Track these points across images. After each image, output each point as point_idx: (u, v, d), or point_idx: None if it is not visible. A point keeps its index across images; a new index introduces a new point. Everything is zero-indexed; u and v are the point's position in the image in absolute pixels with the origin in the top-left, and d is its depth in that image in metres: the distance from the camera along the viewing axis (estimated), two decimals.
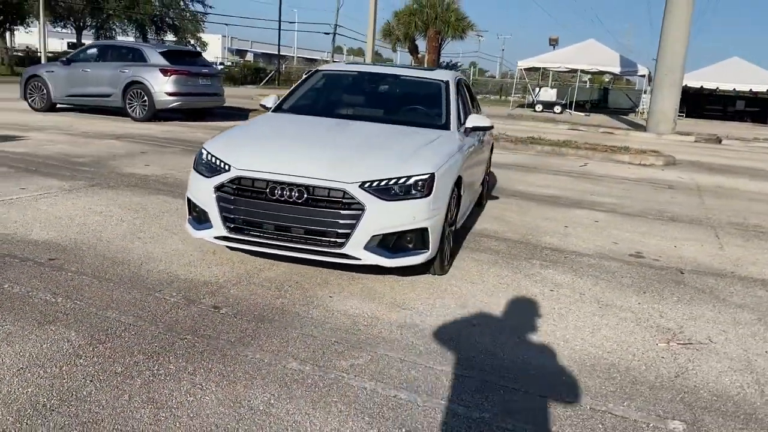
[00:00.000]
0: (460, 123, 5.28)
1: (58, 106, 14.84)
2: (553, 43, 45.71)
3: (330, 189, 3.92)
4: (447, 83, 5.64)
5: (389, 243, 4.04)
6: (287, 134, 4.82)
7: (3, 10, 31.98)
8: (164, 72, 13.57)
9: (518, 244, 5.73)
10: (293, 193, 3.93)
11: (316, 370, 3.05)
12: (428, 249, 4.17)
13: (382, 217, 3.95)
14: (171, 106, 13.80)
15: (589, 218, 7.12)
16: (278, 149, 4.40)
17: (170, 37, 53.98)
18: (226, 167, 4.12)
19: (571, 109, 33.34)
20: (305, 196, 3.93)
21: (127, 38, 50.71)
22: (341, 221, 3.91)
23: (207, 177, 4.18)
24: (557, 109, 32.72)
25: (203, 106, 14.88)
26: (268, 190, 3.97)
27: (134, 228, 5.21)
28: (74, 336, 3.20)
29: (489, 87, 58.60)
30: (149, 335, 3.28)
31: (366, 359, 3.21)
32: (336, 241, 3.94)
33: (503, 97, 48.42)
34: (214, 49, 71.87)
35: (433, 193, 4.11)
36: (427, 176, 4.12)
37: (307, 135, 4.80)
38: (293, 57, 75.13)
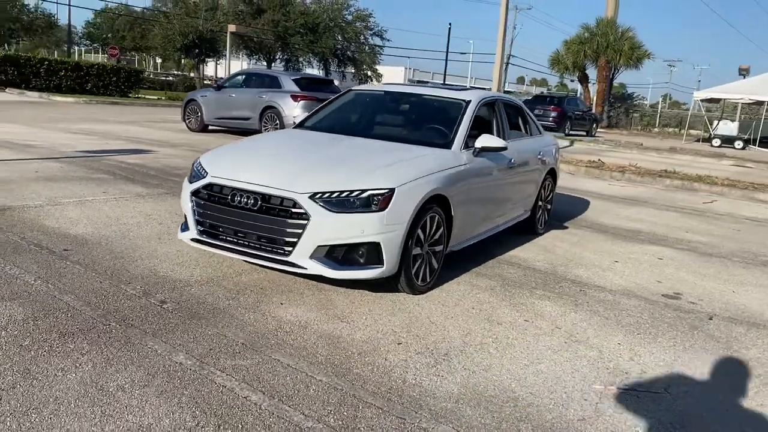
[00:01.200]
0: (466, 143, 5.13)
1: (210, 127, 16.40)
2: (744, 72, 41.86)
3: (282, 198, 4.04)
4: (467, 103, 5.52)
5: (338, 255, 4.06)
6: (273, 147, 5.03)
7: (198, 44, 36.07)
8: (294, 98, 14.52)
9: (539, 273, 5.41)
10: (250, 201, 4.11)
11: (196, 365, 3.17)
12: (383, 265, 4.12)
13: (328, 228, 3.98)
14: None
15: (653, 255, 6.50)
16: (253, 160, 4.62)
17: (350, 69, 57.01)
18: (204, 174, 4.42)
19: (755, 145, 30.16)
20: (260, 203, 4.09)
21: (312, 70, 54.38)
22: (289, 230, 4.01)
23: (189, 184, 4.50)
24: (738, 144, 29.83)
25: None
26: (229, 196, 4.19)
27: (164, 230, 5.68)
28: (18, 312, 3.61)
29: (672, 119, 54.71)
30: (81, 318, 3.60)
31: (253, 362, 3.26)
32: (284, 249, 4.05)
33: (681, 131, 45.02)
34: (397, 79, 74.97)
35: (389, 208, 4.07)
36: (385, 191, 4.09)
37: (290, 148, 4.97)
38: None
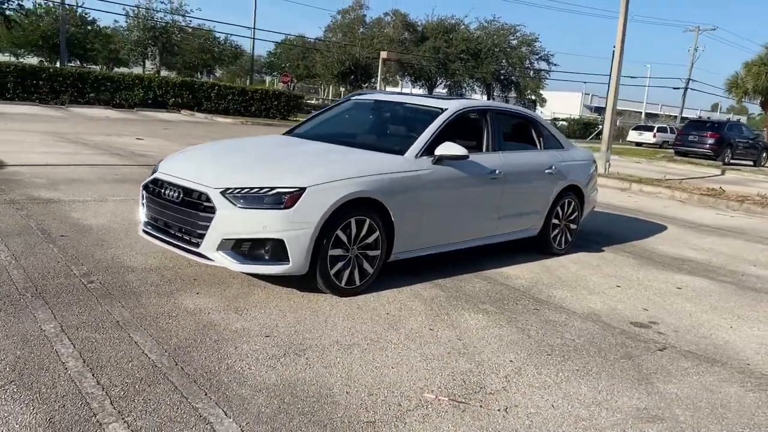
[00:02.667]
0: (425, 150, 5.03)
1: None
2: None
3: (199, 192, 4.29)
4: (442, 111, 5.42)
5: (244, 249, 4.21)
6: (227, 149, 5.29)
7: (354, 71, 38.00)
8: None
9: (509, 290, 5.14)
10: (174, 194, 4.41)
11: (53, 333, 3.47)
12: (289, 262, 4.20)
13: (232, 222, 4.16)
14: None
15: (674, 284, 5.88)
16: (197, 159, 4.92)
17: (513, 93, 56.40)
18: (156, 170, 4.80)
19: None
20: (182, 196, 4.37)
21: (475, 95, 54.49)
22: (200, 222, 4.24)
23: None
24: None
25: None
26: (162, 189, 4.52)
27: None
28: None
29: None
30: (5, 287, 4.08)
31: (106, 336, 3.50)
32: (196, 241, 4.28)
33: None
34: (573, 106, 72.73)
35: (296, 206, 4.16)
36: (294, 190, 4.19)
37: (241, 150, 5.21)
38: (640, 112, 73.07)
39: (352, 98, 6.45)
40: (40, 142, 12.02)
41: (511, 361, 3.73)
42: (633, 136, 43.71)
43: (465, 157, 5.07)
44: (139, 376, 3.08)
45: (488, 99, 47.74)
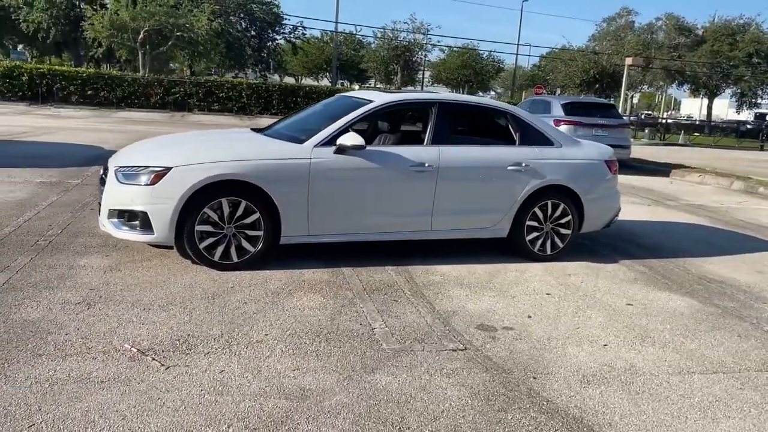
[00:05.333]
0: (331, 140, 5.21)
1: None
2: None
3: (107, 170, 5.15)
4: (367, 103, 5.52)
5: (124, 219, 4.95)
6: (173, 139, 6.06)
7: (599, 79, 36.22)
8: (556, 122, 14.24)
9: (384, 285, 5.09)
10: (101, 174, 5.33)
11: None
12: (154, 232, 4.83)
13: (113, 195, 4.96)
14: None
15: (639, 301, 5.13)
16: (141, 147, 5.72)
17: None
18: None
19: None
20: (100, 175, 5.28)
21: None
22: (100, 195, 5.11)
23: None
24: None
25: None
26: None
27: None
28: None
29: None
30: None
31: None
32: (101, 212, 5.13)
33: None
34: None
35: (159, 183, 4.79)
36: (160, 169, 4.84)
37: (175, 140, 5.99)
38: None
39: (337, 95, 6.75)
40: None
41: (266, 333, 3.86)
42: None
43: (362, 147, 5.16)
44: None
45: None
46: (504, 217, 5.86)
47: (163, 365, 3.37)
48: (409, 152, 5.51)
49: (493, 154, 5.84)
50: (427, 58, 43.40)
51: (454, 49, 60.81)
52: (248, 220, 5.01)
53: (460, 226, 5.79)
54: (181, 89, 28.79)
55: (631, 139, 15.41)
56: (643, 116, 55.96)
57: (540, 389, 3.43)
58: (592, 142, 6.93)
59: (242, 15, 40.84)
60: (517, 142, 6.00)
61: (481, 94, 59.87)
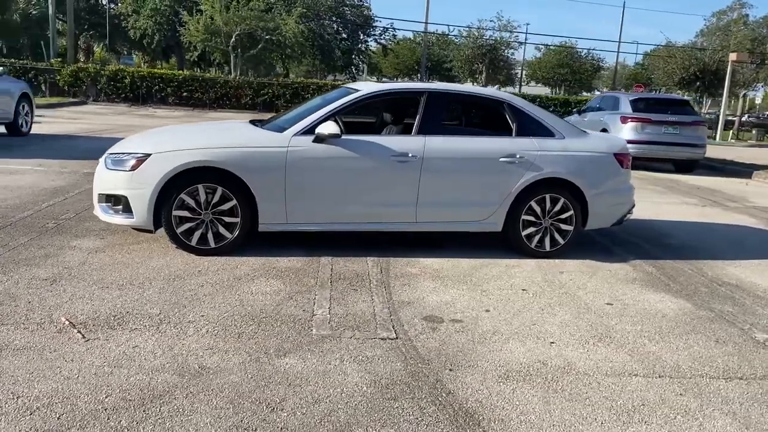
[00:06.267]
0: (307, 129, 5.25)
1: None
2: None
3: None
4: (352, 92, 5.50)
5: (111, 203, 5.20)
6: (171, 129, 6.25)
7: (701, 77, 33.94)
8: (624, 119, 13.61)
9: (359, 277, 5.05)
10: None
11: None
12: (134, 216, 5.06)
13: (102, 180, 5.24)
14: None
15: (617, 299, 4.83)
16: (139, 135, 5.99)
17: None
18: None
19: None
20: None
21: None
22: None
23: None
24: None
25: (669, 156, 13.75)
26: None
27: None
28: None
29: None
30: None
31: None
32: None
33: None
34: None
35: (138, 169, 5.01)
36: (140, 155, 5.07)
37: (173, 129, 6.13)
38: None
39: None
40: None
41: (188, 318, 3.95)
42: None
43: (337, 135, 5.16)
44: None
45: None
46: (496, 211, 5.66)
47: (85, 338, 3.52)
48: (392, 142, 5.45)
49: (484, 145, 5.66)
50: (513, 55, 42.52)
51: (551, 47, 59.40)
52: (225, 207, 5.13)
53: (447, 218, 5.66)
54: (270, 91, 29.68)
55: (707, 138, 14.42)
56: (760, 117, 52.24)
57: (448, 381, 3.30)
58: (602, 134, 6.62)
59: (334, 18, 41.72)
60: (514, 133, 5.78)
61: (585, 94, 58.08)
